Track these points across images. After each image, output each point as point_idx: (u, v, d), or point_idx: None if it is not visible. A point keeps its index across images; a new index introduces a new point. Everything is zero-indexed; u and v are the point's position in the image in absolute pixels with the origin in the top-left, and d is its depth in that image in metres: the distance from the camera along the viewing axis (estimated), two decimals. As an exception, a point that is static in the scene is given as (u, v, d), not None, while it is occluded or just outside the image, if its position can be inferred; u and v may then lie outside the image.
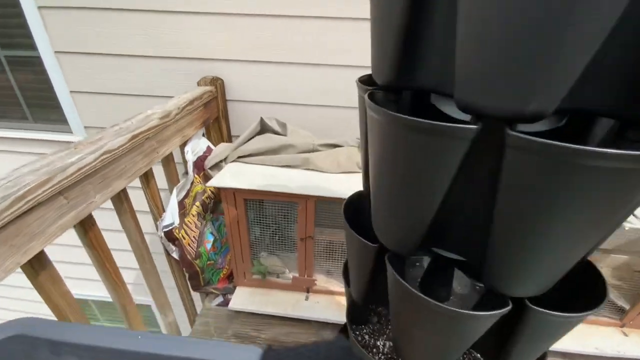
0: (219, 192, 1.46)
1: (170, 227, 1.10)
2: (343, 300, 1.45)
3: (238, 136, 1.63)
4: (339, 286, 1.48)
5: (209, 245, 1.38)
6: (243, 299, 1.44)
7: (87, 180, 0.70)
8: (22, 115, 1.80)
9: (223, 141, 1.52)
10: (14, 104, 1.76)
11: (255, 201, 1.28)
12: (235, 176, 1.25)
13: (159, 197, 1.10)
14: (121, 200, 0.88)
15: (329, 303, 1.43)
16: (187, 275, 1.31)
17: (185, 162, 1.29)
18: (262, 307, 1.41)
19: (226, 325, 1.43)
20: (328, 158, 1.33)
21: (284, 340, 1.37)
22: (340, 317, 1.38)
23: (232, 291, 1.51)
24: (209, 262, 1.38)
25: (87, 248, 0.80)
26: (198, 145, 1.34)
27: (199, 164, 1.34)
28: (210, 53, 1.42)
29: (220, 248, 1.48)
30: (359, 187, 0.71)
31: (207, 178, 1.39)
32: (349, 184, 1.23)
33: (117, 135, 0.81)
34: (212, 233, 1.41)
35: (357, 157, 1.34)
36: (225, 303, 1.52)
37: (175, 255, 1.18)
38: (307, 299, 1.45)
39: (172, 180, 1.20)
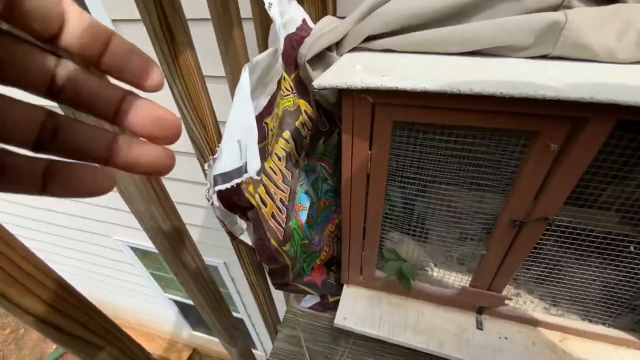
0: (320, 116, 0.78)
1: (237, 181, 0.45)
2: (554, 337, 0.73)
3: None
4: (542, 311, 0.76)
5: (303, 216, 0.74)
6: (359, 312, 0.82)
7: None
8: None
9: (326, 14, 0.79)
10: None
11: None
12: (377, 70, 0.53)
13: (205, 94, 0.44)
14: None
15: (523, 340, 0.73)
16: (266, 269, 0.70)
17: (259, 25, 0.60)
18: (395, 334, 0.77)
19: (328, 349, 0.84)
20: (608, 25, 0.51)
21: (437, 398, 0.74)
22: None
23: (334, 289, 0.90)
24: (302, 242, 0.76)
25: None
26: (287, 11, 0.64)
27: (289, 54, 0.65)
28: None
29: (317, 218, 0.84)
30: None
31: (301, 88, 0.71)
32: None
33: None
34: (307, 192, 0.77)
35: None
36: (322, 306, 0.93)
37: (246, 238, 0.57)
38: (480, 326, 0.76)
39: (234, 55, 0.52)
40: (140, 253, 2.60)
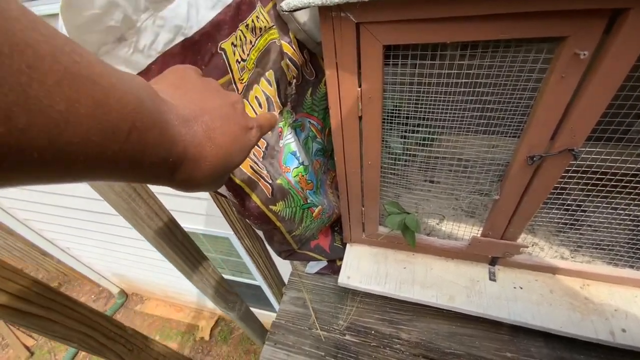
0: (305, 62, 0.69)
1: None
2: (575, 284, 0.67)
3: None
4: (561, 258, 0.70)
5: (292, 177, 0.68)
6: (363, 270, 0.78)
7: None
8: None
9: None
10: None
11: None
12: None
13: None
14: None
15: (540, 289, 0.68)
16: (260, 232, 0.65)
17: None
18: (402, 290, 0.73)
19: (334, 309, 0.82)
20: None
21: (449, 350, 0.72)
22: (568, 321, 0.63)
23: (343, 252, 0.86)
24: (307, 207, 0.70)
25: None
26: None
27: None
28: None
29: (317, 182, 0.78)
30: None
31: (281, 25, 0.62)
32: None
33: None
34: (295, 153, 0.70)
35: None
36: (331, 270, 0.90)
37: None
38: (493, 277, 0.72)
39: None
40: (155, 230, 2.65)
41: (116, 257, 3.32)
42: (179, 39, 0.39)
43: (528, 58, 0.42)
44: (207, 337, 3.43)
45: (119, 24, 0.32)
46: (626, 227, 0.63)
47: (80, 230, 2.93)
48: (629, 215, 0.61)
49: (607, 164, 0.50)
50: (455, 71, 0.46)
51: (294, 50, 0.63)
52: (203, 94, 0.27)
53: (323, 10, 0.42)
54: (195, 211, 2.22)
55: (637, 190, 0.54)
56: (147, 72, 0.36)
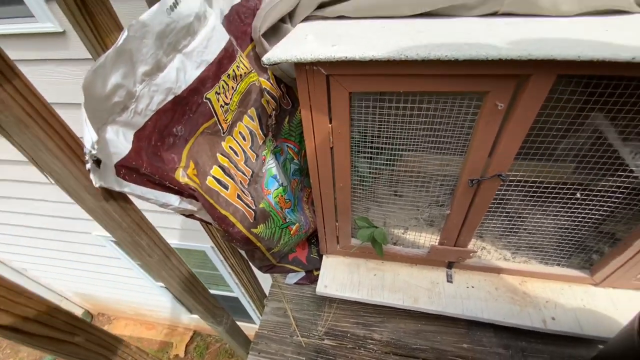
0: (282, 94, 0.76)
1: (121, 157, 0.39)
2: (515, 281, 0.80)
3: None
4: (504, 260, 0.82)
5: (272, 198, 0.75)
6: (339, 279, 0.86)
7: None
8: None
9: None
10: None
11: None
12: (328, 40, 0.52)
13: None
14: None
15: (487, 286, 0.80)
16: (244, 251, 0.71)
17: None
18: (373, 296, 0.82)
19: (313, 316, 0.89)
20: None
21: (415, 345, 0.81)
22: (515, 313, 0.75)
23: (319, 263, 0.93)
24: (285, 227, 0.77)
25: None
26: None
27: (238, 27, 0.62)
28: None
29: (294, 200, 0.85)
30: None
31: (259, 64, 0.69)
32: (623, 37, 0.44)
33: None
34: (276, 177, 0.76)
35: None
36: (308, 280, 0.97)
37: (205, 216, 0.55)
38: (450, 279, 0.82)
39: None
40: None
41: (80, 276, 3.14)
42: (170, 97, 0.45)
43: (463, 104, 0.53)
44: (182, 354, 3.32)
45: (123, 98, 0.38)
46: (552, 231, 0.77)
47: (38, 249, 2.75)
48: (554, 220, 0.74)
49: (540, 180, 0.62)
50: (409, 112, 0.56)
51: (272, 85, 0.71)
52: None
53: (298, 64, 0.49)
54: (171, 226, 2.18)
55: (557, 200, 0.66)
56: (144, 129, 0.42)
